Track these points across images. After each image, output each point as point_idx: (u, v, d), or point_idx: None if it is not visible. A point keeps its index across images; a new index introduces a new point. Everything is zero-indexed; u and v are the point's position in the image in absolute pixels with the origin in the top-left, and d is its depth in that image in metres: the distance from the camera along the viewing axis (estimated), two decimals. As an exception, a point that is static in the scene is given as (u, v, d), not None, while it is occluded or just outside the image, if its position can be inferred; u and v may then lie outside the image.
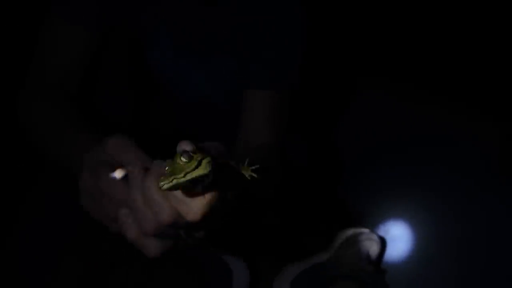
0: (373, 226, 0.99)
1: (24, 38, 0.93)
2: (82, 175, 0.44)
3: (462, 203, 1.08)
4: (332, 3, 1.32)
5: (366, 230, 0.89)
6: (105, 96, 0.89)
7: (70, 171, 0.66)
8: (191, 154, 0.35)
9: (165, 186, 0.34)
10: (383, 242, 0.94)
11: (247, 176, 0.44)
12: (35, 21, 0.82)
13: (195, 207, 0.38)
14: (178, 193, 0.37)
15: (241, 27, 0.84)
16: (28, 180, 1.05)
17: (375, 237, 0.89)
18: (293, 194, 0.91)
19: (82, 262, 0.90)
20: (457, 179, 1.11)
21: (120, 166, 0.41)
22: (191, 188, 0.37)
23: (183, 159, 0.34)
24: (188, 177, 0.34)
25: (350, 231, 0.88)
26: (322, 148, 1.18)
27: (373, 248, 0.87)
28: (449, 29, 1.46)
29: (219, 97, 0.91)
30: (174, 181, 0.34)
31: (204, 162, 0.35)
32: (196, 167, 0.34)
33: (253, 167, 0.44)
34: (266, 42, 0.83)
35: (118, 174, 0.41)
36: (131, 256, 0.88)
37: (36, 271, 0.90)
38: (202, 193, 0.38)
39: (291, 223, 0.97)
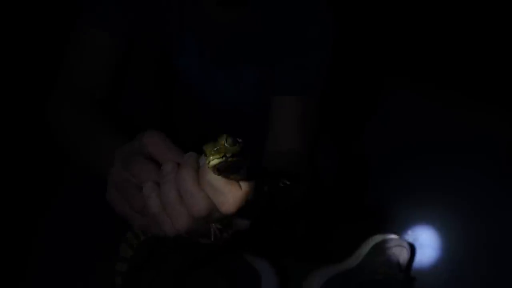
0: (401, 232, 0.98)
1: (54, 44, 0.95)
2: (113, 169, 0.45)
3: (491, 208, 1.06)
4: (358, 6, 1.32)
5: (395, 236, 0.88)
6: (132, 100, 0.90)
7: (98, 174, 0.68)
8: (237, 139, 0.35)
9: (215, 161, 0.33)
10: (412, 249, 0.93)
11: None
12: (65, 28, 0.84)
13: (232, 197, 0.37)
14: (216, 183, 0.37)
15: (268, 34, 0.84)
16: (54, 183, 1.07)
17: (404, 243, 0.88)
18: (321, 199, 0.91)
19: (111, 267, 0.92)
20: (486, 183, 1.09)
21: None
22: (233, 171, 0.36)
23: (228, 142, 0.34)
24: (236, 158, 0.33)
25: (379, 237, 0.87)
26: (350, 153, 1.17)
27: (403, 255, 0.86)
28: (477, 33, 1.43)
29: (246, 104, 0.91)
30: (224, 158, 0.33)
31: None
32: (241, 151, 0.34)
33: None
34: (293, 49, 0.83)
35: None
36: (160, 260, 0.89)
37: (68, 278, 0.91)
38: (238, 184, 0.37)
39: (319, 228, 0.96)
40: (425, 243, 1.00)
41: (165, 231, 0.40)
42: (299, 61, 0.83)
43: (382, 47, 1.43)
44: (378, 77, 1.36)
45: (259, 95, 0.86)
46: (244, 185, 0.38)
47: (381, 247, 0.85)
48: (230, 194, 0.37)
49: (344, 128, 1.21)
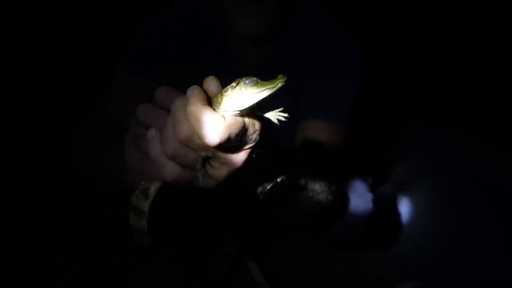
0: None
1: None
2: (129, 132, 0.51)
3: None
4: (388, 40, 1.35)
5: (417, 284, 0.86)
6: None
7: (118, 181, 0.71)
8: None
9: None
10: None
11: (273, 119, 0.48)
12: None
13: (212, 128, 0.41)
14: (199, 114, 0.41)
15: (297, 68, 0.88)
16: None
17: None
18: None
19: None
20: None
21: None
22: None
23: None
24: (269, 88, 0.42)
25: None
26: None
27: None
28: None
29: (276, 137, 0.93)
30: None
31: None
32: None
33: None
34: (320, 76, 0.86)
35: None
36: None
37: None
38: (222, 116, 0.41)
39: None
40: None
41: (164, 175, 0.45)
42: (325, 88, 0.86)
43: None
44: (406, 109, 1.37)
45: (289, 126, 0.88)
46: (229, 117, 0.42)
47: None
48: (211, 125, 0.41)
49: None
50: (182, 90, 0.92)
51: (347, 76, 0.85)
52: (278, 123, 0.48)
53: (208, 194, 0.52)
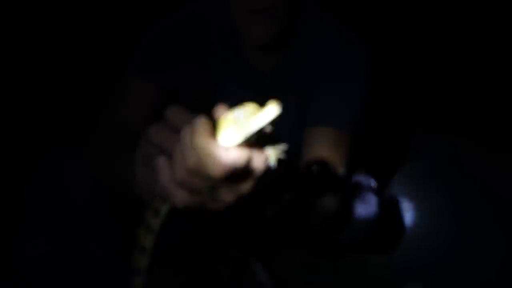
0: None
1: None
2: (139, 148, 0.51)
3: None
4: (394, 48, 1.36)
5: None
6: None
7: (125, 187, 0.72)
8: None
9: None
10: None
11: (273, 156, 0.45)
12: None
13: (217, 162, 0.39)
14: (204, 146, 0.39)
15: (305, 75, 0.89)
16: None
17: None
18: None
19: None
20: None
21: None
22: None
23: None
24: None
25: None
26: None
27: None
28: None
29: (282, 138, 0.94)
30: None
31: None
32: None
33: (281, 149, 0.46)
34: (328, 82, 0.87)
35: None
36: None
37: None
38: (231, 149, 0.39)
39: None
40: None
41: (174, 201, 0.45)
42: (333, 94, 0.86)
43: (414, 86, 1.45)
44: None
45: (297, 133, 0.88)
46: (234, 151, 0.40)
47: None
48: (217, 157, 0.39)
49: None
50: (190, 97, 0.94)
51: (354, 82, 0.86)
52: (274, 166, 0.46)
53: (216, 214, 0.52)
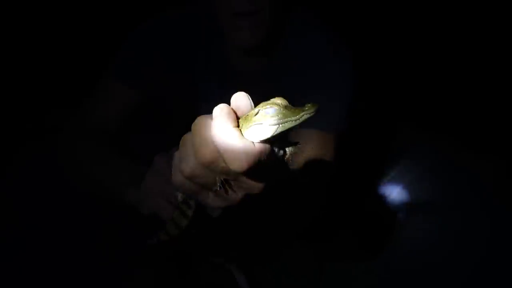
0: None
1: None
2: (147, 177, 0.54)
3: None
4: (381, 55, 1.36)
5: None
6: (151, 139, 0.94)
7: (106, 192, 0.72)
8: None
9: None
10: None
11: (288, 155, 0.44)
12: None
13: (243, 155, 0.37)
14: (228, 138, 0.37)
15: (289, 78, 0.88)
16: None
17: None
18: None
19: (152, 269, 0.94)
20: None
21: None
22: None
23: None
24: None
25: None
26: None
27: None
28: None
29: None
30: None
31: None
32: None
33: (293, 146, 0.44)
34: (312, 86, 0.86)
35: None
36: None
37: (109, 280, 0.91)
38: (252, 144, 0.38)
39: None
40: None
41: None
42: (319, 98, 0.85)
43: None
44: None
45: (281, 135, 0.87)
46: (259, 145, 0.38)
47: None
48: (240, 152, 0.37)
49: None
50: (172, 98, 0.92)
51: (340, 87, 0.86)
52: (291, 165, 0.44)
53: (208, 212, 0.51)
